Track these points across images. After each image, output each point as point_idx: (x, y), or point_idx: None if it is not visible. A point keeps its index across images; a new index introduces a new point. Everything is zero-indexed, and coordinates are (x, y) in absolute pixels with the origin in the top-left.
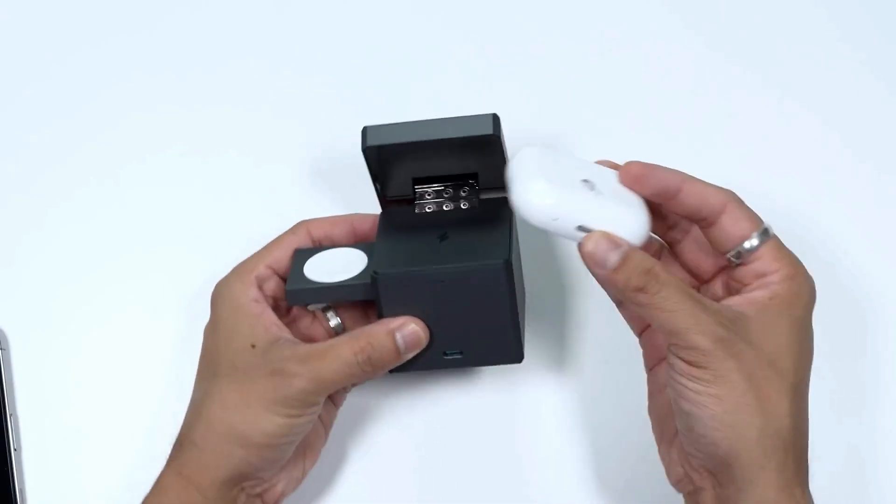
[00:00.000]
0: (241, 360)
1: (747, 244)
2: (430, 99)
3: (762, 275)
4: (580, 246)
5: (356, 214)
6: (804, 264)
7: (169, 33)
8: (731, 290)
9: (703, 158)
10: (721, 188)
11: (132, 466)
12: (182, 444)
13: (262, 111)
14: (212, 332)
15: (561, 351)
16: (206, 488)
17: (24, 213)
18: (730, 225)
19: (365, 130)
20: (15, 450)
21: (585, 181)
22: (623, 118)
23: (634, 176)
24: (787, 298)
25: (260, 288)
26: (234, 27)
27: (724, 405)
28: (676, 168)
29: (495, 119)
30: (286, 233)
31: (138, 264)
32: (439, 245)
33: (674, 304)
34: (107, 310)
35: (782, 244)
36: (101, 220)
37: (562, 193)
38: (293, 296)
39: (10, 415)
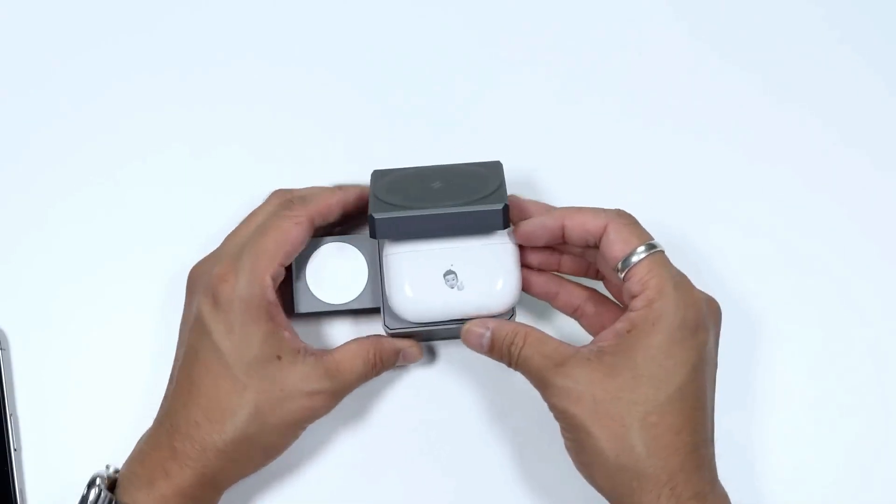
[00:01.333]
0: (270, 374)
1: (620, 264)
2: (430, 99)
3: (634, 295)
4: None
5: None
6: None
7: (169, 33)
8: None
9: (702, 157)
10: (603, 210)
11: None
12: (192, 437)
13: (262, 111)
14: (226, 333)
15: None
16: (195, 479)
17: (24, 213)
18: (607, 245)
19: (373, 221)
20: (15, 450)
21: (449, 272)
22: (623, 117)
23: (523, 239)
24: (643, 328)
25: (275, 289)
26: (235, 27)
27: (572, 445)
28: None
29: (505, 211)
30: (283, 218)
31: (138, 264)
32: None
33: (530, 359)
34: (107, 310)
35: (660, 263)
36: (101, 220)
37: (427, 303)
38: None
39: (10, 415)
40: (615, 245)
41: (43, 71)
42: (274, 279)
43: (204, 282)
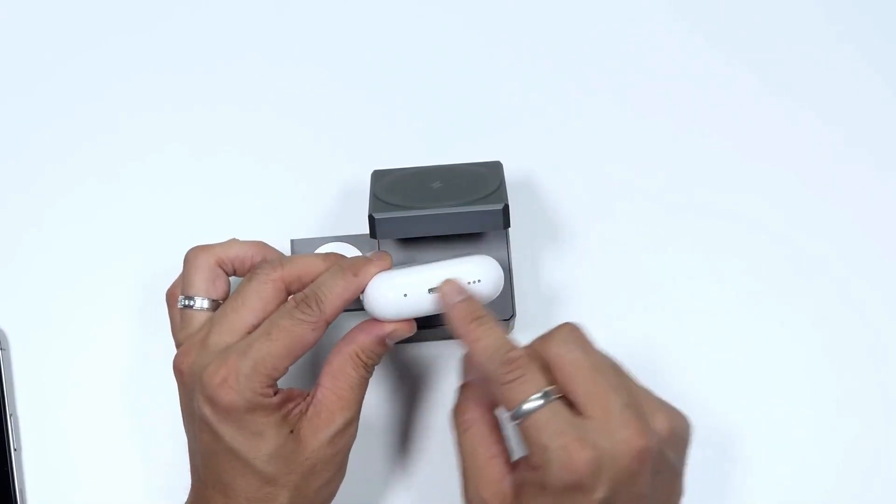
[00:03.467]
0: (292, 452)
1: (510, 415)
2: (430, 99)
3: (525, 452)
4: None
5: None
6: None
7: (169, 33)
8: None
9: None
10: (488, 357)
11: (132, 466)
12: None
13: (262, 111)
14: (236, 435)
15: None
16: None
17: (24, 213)
18: (498, 394)
19: (373, 221)
20: (15, 450)
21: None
22: (623, 118)
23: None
24: (532, 491)
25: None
26: (235, 27)
27: None
28: None
29: (505, 211)
30: (299, 324)
31: (139, 264)
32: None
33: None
34: (107, 310)
35: (547, 419)
36: (102, 220)
37: (404, 278)
38: None
39: (10, 415)
40: (506, 394)
41: (43, 71)
42: (276, 379)
43: (199, 380)
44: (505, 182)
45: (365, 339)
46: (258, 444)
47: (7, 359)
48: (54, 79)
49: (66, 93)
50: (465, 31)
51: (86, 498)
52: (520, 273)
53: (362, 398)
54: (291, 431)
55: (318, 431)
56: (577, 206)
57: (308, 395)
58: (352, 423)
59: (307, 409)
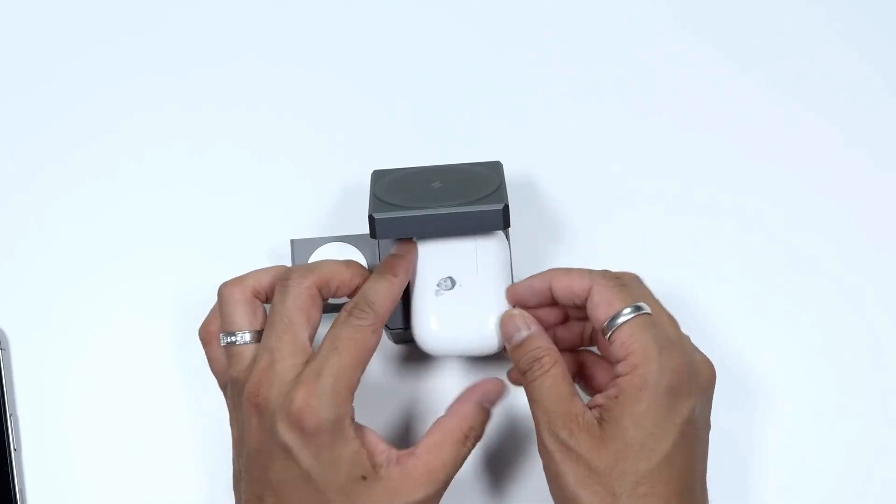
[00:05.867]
0: (360, 497)
1: (604, 326)
2: (430, 99)
3: (618, 360)
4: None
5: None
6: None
7: (169, 33)
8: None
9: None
10: (589, 272)
11: (132, 466)
12: None
13: (262, 111)
14: (314, 459)
15: None
16: None
17: (24, 212)
18: (591, 308)
19: (373, 221)
20: (15, 450)
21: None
22: (624, 118)
23: (515, 301)
24: (630, 392)
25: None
26: (235, 27)
27: (558, 497)
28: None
29: (505, 211)
30: (358, 330)
31: (139, 264)
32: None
33: (547, 392)
34: (107, 310)
35: (645, 326)
36: (102, 220)
37: (449, 339)
38: None
39: (10, 415)
40: (598, 308)
41: (43, 70)
42: (353, 392)
43: (280, 409)
44: (505, 182)
45: (466, 409)
46: (333, 473)
47: (7, 359)
48: (54, 78)
49: (66, 92)
50: (467, 31)
51: (86, 498)
52: (520, 274)
53: (451, 477)
54: (364, 478)
55: (395, 496)
56: (577, 206)
57: (392, 450)
58: (433, 500)
59: (389, 466)
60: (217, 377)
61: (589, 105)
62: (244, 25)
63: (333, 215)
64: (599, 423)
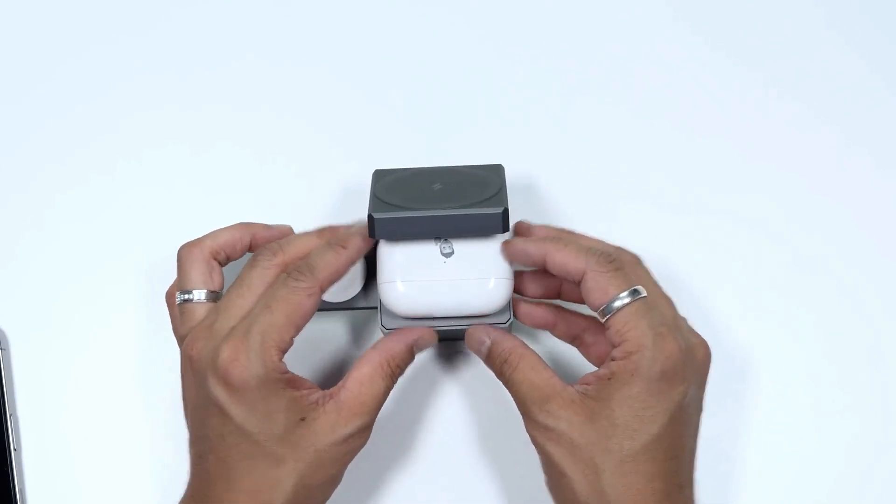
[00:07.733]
0: (301, 439)
1: (600, 312)
2: (430, 100)
3: (614, 345)
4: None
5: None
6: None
7: (169, 33)
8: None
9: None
10: (584, 253)
11: (131, 466)
12: None
13: (262, 111)
14: (248, 414)
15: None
16: None
17: (24, 212)
18: (585, 292)
19: (372, 221)
20: (15, 450)
21: (444, 245)
22: (624, 118)
23: (508, 255)
24: (622, 377)
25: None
26: (235, 27)
27: (548, 478)
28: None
29: (504, 215)
30: (293, 291)
31: (138, 264)
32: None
33: (519, 384)
34: (107, 310)
35: (640, 313)
36: (102, 220)
37: (418, 298)
38: None
39: (10, 415)
40: (592, 293)
41: (43, 70)
42: (284, 351)
43: (210, 363)
44: (506, 186)
45: (394, 347)
46: (269, 423)
47: (7, 359)
48: (54, 78)
49: (65, 92)
50: (468, 32)
51: (86, 498)
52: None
53: (380, 407)
54: (303, 419)
55: (335, 427)
56: (578, 209)
57: (324, 390)
58: (367, 430)
59: (325, 403)
60: (176, 338)
61: (590, 106)
62: (244, 25)
63: (333, 215)
64: (586, 399)
